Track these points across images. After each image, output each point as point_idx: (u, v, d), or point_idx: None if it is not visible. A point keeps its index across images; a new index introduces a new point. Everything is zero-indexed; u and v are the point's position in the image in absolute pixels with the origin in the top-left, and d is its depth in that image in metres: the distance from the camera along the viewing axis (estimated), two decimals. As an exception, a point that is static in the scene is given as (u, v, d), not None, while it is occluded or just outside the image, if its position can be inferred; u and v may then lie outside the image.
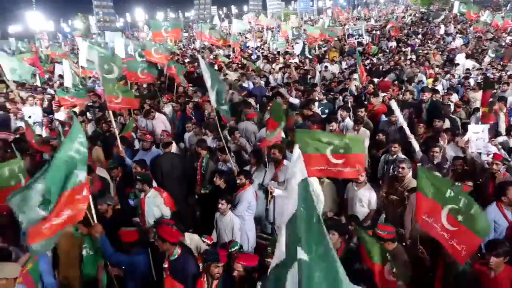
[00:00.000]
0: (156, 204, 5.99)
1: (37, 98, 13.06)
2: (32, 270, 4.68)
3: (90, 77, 15.72)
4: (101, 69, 9.48)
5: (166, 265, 4.70)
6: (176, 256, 4.68)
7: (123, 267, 5.07)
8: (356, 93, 11.87)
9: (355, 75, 13.56)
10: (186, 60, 21.29)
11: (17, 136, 9.55)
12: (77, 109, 11.46)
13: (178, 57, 21.93)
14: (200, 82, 13.70)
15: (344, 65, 18.31)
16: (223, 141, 7.40)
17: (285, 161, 6.66)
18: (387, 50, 22.09)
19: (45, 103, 12.80)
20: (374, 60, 18.84)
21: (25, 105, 12.52)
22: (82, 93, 11.97)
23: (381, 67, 16.96)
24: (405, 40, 25.51)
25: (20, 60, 14.66)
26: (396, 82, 12.87)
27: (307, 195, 2.32)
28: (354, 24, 27.56)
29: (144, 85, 13.72)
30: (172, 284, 4.51)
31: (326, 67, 16.23)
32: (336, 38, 26.24)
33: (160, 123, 9.72)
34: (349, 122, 8.70)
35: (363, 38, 21.40)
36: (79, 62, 16.81)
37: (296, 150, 2.59)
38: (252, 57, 21.75)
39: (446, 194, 4.11)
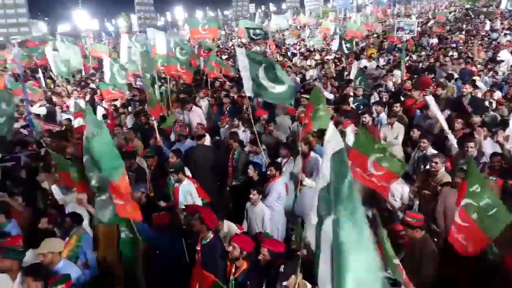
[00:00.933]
0: (189, 193, 6.20)
1: (81, 92, 13.72)
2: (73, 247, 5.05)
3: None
4: (142, 66, 9.87)
5: (198, 248, 4.89)
6: (208, 240, 4.85)
7: (157, 251, 5.29)
8: (393, 90, 11.69)
9: (396, 72, 13.34)
10: (224, 57, 21.57)
11: (62, 128, 10.15)
12: (118, 103, 11.95)
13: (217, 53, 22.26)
14: (237, 79, 14.06)
15: (382, 61, 18.00)
16: (256, 133, 7.53)
17: (312, 153, 6.72)
18: (428, 48, 21.49)
19: (87, 97, 13.43)
20: (414, 57, 18.39)
21: (70, 98, 13.20)
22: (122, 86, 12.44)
23: (420, 64, 16.55)
24: (447, 36, 24.71)
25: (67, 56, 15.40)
26: (434, 79, 12.54)
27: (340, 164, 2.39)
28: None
29: (182, 80, 14.09)
30: (201, 268, 4.66)
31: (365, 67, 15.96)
32: (375, 35, 25.80)
33: (196, 116, 9.96)
34: (383, 117, 8.60)
35: (414, 34, 20.81)
36: (120, 59, 17.44)
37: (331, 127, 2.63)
38: (288, 53, 21.77)
39: (470, 188, 4.11)
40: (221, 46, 27.74)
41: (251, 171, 6.58)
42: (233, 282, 4.40)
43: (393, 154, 5.39)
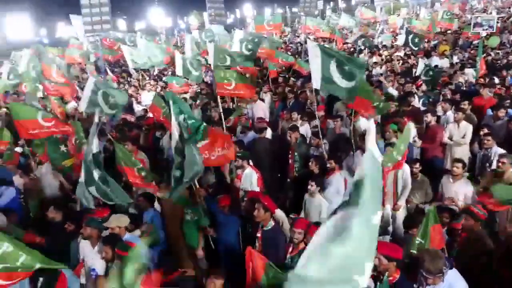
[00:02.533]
0: (250, 181, 6.49)
1: (153, 85, 14.65)
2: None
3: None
4: (216, 58, 10.26)
5: (259, 235, 5.12)
6: (270, 227, 5.09)
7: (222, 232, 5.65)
8: (464, 88, 11.20)
9: (468, 70, 12.75)
10: (289, 53, 21.72)
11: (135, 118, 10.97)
12: (187, 95, 12.61)
13: (282, 50, 22.46)
14: (301, 74, 14.24)
15: (455, 59, 17.14)
16: (318, 127, 7.68)
17: (373, 149, 6.72)
18: (508, 45, 20.08)
19: (159, 89, 14.31)
20: (492, 54, 17.28)
21: (143, 91, 14.14)
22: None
23: (499, 61, 15.57)
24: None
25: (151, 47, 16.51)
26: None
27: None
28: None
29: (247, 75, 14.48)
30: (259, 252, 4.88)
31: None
32: (449, 31, 24.54)
33: (260, 110, 10.28)
34: (450, 115, 8.34)
35: (492, 30, 19.58)
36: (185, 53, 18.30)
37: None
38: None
39: None
40: (287, 42, 27.85)
41: (312, 164, 6.74)
42: (290, 260, 4.62)
43: None
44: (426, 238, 4.22)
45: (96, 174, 5.72)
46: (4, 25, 38.22)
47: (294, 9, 63.20)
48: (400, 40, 18.13)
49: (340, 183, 6.45)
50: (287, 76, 13.68)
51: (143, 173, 6.29)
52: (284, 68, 14.71)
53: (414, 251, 4.18)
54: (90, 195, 5.78)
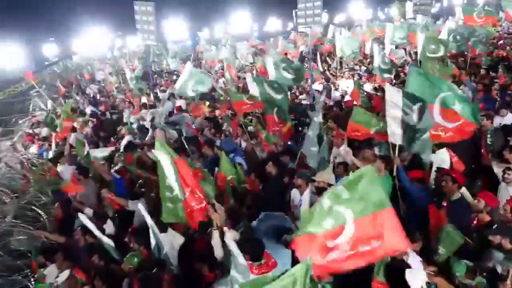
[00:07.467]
0: (443, 160, 6.76)
1: (349, 76, 15.68)
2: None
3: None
4: (427, 48, 10.47)
5: (445, 204, 5.49)
6: (456, 198, 5.41)
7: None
8: None
9: None
10: (500, 42, 19.77)
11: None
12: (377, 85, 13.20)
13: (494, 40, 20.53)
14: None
15: None
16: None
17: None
18: None
19: (354, 79, 15.21)
20: None
21: (341, 79, 15.31)
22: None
23: None
24: None
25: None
26: None
27: None
28: None
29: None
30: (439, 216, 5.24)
31: None
32: None
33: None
34: None
35: None
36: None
37: None
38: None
39: None
40: (500, 32, 24.93)
41: (505, 153, 6.63)
42: (474, 232, 4.92)
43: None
44: None
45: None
46: (230, 22, 44.85)
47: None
48: None
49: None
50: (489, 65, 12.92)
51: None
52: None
53: None
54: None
